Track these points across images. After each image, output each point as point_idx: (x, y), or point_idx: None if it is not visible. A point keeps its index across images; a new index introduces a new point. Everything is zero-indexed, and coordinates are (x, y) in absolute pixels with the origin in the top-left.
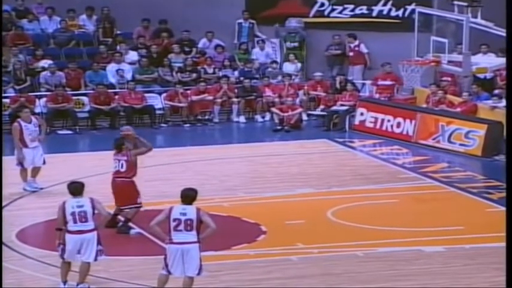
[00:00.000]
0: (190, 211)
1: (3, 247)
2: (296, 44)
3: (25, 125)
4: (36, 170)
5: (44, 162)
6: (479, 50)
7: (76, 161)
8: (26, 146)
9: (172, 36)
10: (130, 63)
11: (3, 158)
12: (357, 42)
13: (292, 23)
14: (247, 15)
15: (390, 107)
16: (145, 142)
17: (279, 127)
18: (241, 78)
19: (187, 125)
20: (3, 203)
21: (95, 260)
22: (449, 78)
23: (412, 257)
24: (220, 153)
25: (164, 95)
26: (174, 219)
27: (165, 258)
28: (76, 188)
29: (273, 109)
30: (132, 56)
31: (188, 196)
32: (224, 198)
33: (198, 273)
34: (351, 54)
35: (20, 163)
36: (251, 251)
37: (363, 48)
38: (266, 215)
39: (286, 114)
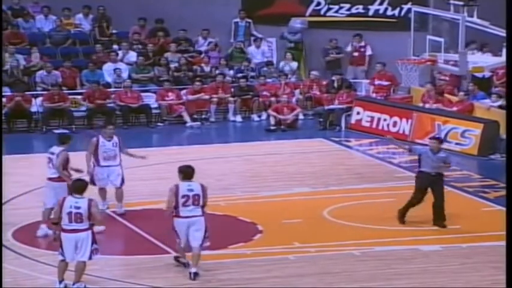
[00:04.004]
0: (196, 187)
1: None
2: (292, 45)
3: (103, 141)
4: (118, 193)
5: (122, 183)
6: (470, 48)
7: (72, 160)
8: (98, 163)
9: (168, 35)
10: (129, 64)
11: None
12: (362, 43)
13: (297, 23)
14: (243, 14)
15: (386, 106)
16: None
17: (272, 127)
18: (238, 77)
19: (184, 124)
20: None
21: (90, 258)
22: (447, 77)
23: (409, 255)
24: (217, 152)
25: (156, 94)
26: (183, 196)
27: (175, 230)
28: (79, 187)
29: (270, 111)
30: (131, 56)
31: (188, 173)
32: (220, 197)
33: (201, 245)
34: (355, 54)
35: (91, 180)
36: (248, 250)
37: (368, 50)
38: (263, 214)
39: (283, 117)
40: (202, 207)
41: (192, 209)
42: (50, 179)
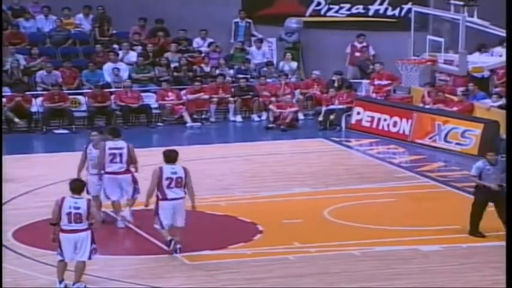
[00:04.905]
0: (179, 170)
1: None
2: (290, 45)
3: (90, 148)
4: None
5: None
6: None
7: (73, 160)
8: (87, 170)
9: (168, 35)
10: (129, 64)
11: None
12: (365, 44)
13: (292, 23)
14: (243, 14)
15: (387, 106)
16: None
17: (271, 125)
18: (238, 78)
19: (185, 124)
20: None
21: (89, 258)
22: (448, 78)
23: (409, 256)
24: (217, 153)
25: (156, 95)
26: (167, 178)
27: (158, 215)
28: (77, 186)
29: (270, 106)
30: (132, 56)
31: (172, 157)
32: (220, 198)
33: (184, 224)
34: (358, 54)
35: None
36: (248, 250)
37: (371, 50)
38: (263, 214)
39: (282, 110)
40: (187, 190)
41: (176, 191)
42: (116, 173)
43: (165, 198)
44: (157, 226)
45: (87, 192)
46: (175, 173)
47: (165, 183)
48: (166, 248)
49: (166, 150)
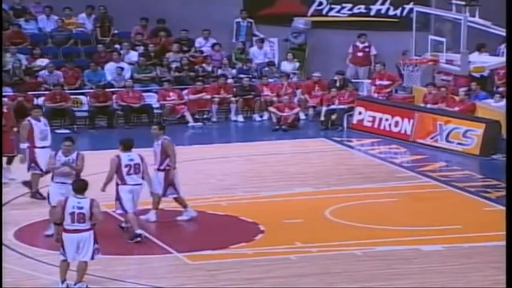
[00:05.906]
0: (135, 157)
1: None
2: (296, 46)
3: (60, 155)
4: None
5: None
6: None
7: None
8: (51, 178)
9: (170, 36)
10: (130, 63)
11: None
12: (366, 43)
13: (300, 23)
14: (245, 14)
15: (388, 106)
16: None
17: (277, 126)
18: (240, 78)
19: (186, 124)
20: None
21: (92, 258)
22: (449, 78)
23: (410, 255)
24: (219, 152)
25: (157, 95)
26: (126, 165)
27: (120, 200)
28: (80, 187)
29: (271, 108)
30: (132, 56)
31: (129, 145)
32: (222, 197)
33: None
34: (360, 54)
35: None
36: (249, 250)
37: (373, 51)
38: (264, 214)
39: (284, 114)
40: (143, 178)
41: (134, 177)
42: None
43: (124, 183)
44: (119, 211)
45: (48, 203)
46: (132, 160)
47: (124, 170)
48: (132, 240)
49: (122, 139)
